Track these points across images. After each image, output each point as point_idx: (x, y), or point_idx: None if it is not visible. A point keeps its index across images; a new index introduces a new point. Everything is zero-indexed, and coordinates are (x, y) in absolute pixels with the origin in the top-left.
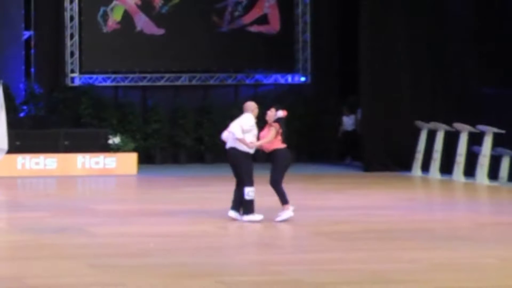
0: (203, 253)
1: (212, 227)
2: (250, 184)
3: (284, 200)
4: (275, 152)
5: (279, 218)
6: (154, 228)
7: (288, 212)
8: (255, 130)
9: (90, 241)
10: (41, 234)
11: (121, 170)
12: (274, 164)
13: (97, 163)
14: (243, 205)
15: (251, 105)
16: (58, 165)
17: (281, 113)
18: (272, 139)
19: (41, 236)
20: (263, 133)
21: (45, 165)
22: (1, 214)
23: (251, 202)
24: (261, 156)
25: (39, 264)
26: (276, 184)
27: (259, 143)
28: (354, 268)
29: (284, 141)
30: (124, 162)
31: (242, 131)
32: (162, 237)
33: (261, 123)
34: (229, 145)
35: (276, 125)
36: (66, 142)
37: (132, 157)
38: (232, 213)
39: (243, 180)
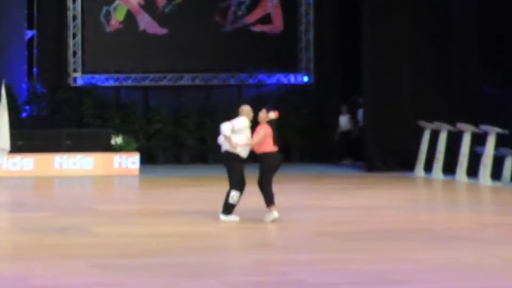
0: (205, 253)
1: (214, 228)
2: (237, 188)
3: (269, 202)
4: (264, 155)
5: (266, 218)
6: (156, 228)
7: (273, 214)
8: (248, 133)
9: (93, 241)
10: (43, 234)
11: (124, 170)
12: (262, 167)
13: (133, 163)
14: (224, 205)
15: (245, 110)
16: (60, 165)
17: (273, 115)
18: (260, 141)
19: (43, 236)
20: (255, 132)
21: (50, 165)
22: (4, 214)
23: (232, 206)
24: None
25: (41, 264)
26: (263, 187)
27: (247, 142)
28: (357, 269)
29: (275, 143)
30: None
31: (232, 131)
32: (165, 237)
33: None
34: (223, 148)
35: (266, 126)
36: (68, 142)
37: (135, 157)
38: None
39: (231, 183)
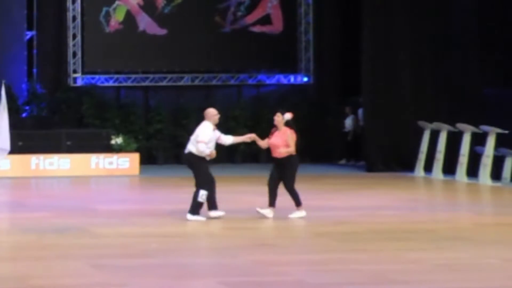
0: (205, 254)
1: (214, 228)
2: (205, 188)
3: (297, 202)
4: (289, 158)
5: (292, 215)
6: (156, 229)
7: (300, 213)
8: (213, 141)
9: (92, 242)
10: (43, 234)
11: (124, 170)
12: (286, 170)
13: (110, 163)
14: (192, 205)
15: (210, 112)
16: (36, 165)
17: (289, 116)
18: (294, 145)
19: (43, 237)
20: (273, 138)
21: (59, 165)
22: (3, 215)
23: (200, 205)
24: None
25: (41, 264)
26: (291, 190)
27: (285, 151)
28: (357, 269)
29: (296, 145)
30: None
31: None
32: (165, 237)
33: (262, 126)
34: (187, 149)
35: (292, 130)
36: (68, 143)
37: (135, 157)
38: (213, 213)
39: (199, 183)
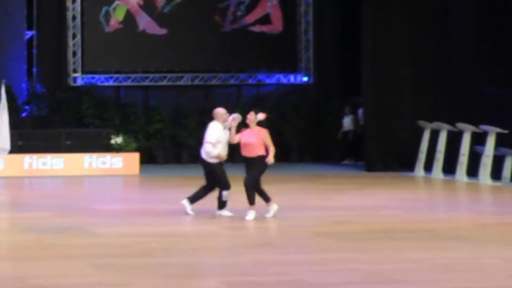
0: (206, 253)
1: (214, 227)
2: (227, 188)
3: (251, 201)
4: (259, 158)
5: (248, 217)
6: (156, 228)
7: (252, 214)
8: (223, 142)
9: (92, 241)
10: (43, 234)
11: (124, 170)
12: (255, 169)
13: (103, 163)
14: (220, 205)
15: (219, 112)
16: (30, 165)
17: (262, 116)
18: (271, 144)
19: (43, 236)
20: (246, 137)
21: (52, 165)
22: (3, 214)
23: (225, 203)
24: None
25: (41, 264)
26: (249, 186)
27: (271, 157)
28: (357, 268)
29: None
30: (127, 162)
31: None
32: (165, 237)
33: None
34: (202, 154)
35: (266, 130)
36: (68, 142)
37: (135, 157)
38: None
39: (220, 185)
